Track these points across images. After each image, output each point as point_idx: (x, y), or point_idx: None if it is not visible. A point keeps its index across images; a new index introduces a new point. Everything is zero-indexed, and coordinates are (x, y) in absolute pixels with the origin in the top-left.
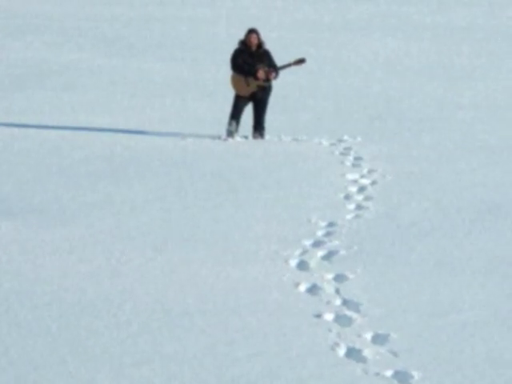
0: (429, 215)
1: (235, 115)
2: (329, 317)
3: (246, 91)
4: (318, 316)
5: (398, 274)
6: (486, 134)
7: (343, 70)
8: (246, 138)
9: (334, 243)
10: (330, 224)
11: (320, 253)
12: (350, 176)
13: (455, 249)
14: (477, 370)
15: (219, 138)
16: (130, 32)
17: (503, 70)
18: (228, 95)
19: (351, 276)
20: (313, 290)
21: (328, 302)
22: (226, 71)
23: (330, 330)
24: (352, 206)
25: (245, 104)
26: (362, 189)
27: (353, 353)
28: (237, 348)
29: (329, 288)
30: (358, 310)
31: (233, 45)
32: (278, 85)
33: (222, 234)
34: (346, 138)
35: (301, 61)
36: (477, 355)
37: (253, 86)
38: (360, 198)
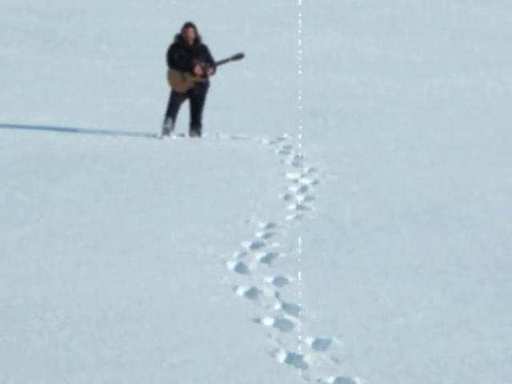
0: (371, 216)
1: (171, 112)
2: (268, 321)
3: (183, 87)
4: (257, 320)
5: (339, 276)
6: (430, 131)
7: (283, 65)
8: (182, 135)
9: (274, 245)
10: (270, 225)
11: (259, 255)
12: (291, 175)
13: (399, 251)
14: (421, 375)
15: (155, 136)
16: (64, 25)
17: (447, 66)
18: (164, 91)
19: (291, 279)
20: (251, 293)
21: (267, 306)
22: (162, 67)
23: (269, 336)
24: (292, 207)
25: (181, 101)
26: (302, 189)
27: (293, 359)
28: (172, 354)
29: (268, 291)
30: (298, 315)
31: (169, 39)
32: (215, 81)
33: (157, 236)
34: (286, 135)
35: (239, 56)
36: (421, 360)
37: (189, 81)
38: (301, 198)
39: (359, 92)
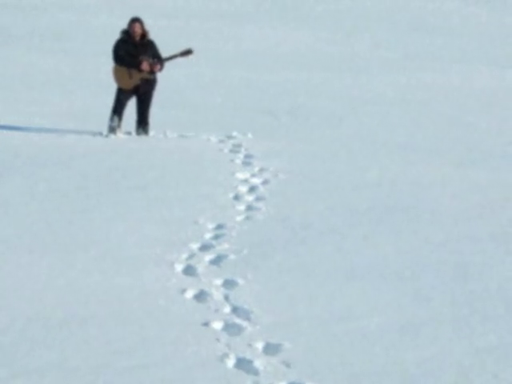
0: (324, 216)
1: (117, 110)
2: (217, 325)
3: (129, 84)
4: (206, 324)
5: (291, 279)
6: (388, 130)
7: (232, 61)
8: (129, 134)
9: (223, 247)
10: (219, 226)
11: (208, 257)
12: (240, 175)
13: (352, 252)
14: (376, 380)
15: (100, 134)
16: (13, 21)
17: (407, 62)
18: (110, 88)
19: (241, 282)
20: (200, 296)
21: (216, 310)
22: (108, 63)
23: (218, 340)
24: (242, 207)
25: (128, 98)
26: (252, 188)
27: (243, 364)
28: (117, 359)
29: (217, 294)
30: (248, 318)
31: (115, 35)
32: (163, 77)
33: (101, 237)
34: (235, 134)
35: (188, 52)
36: (376, 365)
37: (136, 78)
38: (251, 198)
39: (311, 89)
